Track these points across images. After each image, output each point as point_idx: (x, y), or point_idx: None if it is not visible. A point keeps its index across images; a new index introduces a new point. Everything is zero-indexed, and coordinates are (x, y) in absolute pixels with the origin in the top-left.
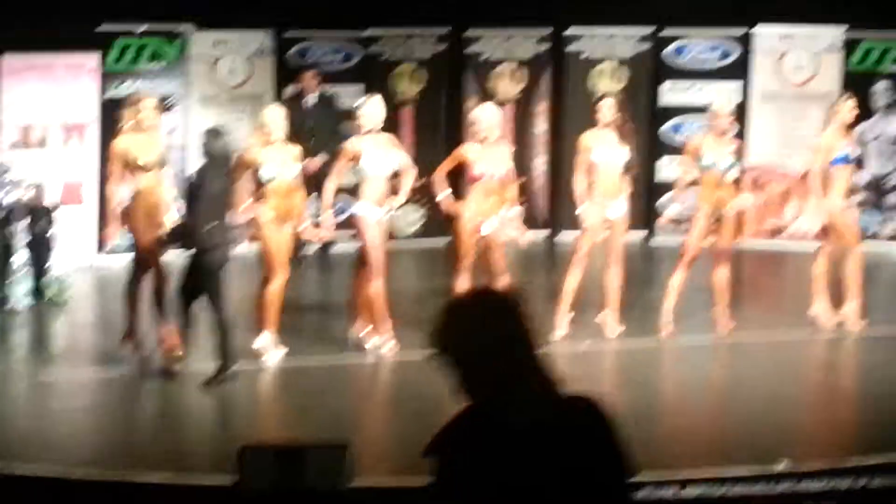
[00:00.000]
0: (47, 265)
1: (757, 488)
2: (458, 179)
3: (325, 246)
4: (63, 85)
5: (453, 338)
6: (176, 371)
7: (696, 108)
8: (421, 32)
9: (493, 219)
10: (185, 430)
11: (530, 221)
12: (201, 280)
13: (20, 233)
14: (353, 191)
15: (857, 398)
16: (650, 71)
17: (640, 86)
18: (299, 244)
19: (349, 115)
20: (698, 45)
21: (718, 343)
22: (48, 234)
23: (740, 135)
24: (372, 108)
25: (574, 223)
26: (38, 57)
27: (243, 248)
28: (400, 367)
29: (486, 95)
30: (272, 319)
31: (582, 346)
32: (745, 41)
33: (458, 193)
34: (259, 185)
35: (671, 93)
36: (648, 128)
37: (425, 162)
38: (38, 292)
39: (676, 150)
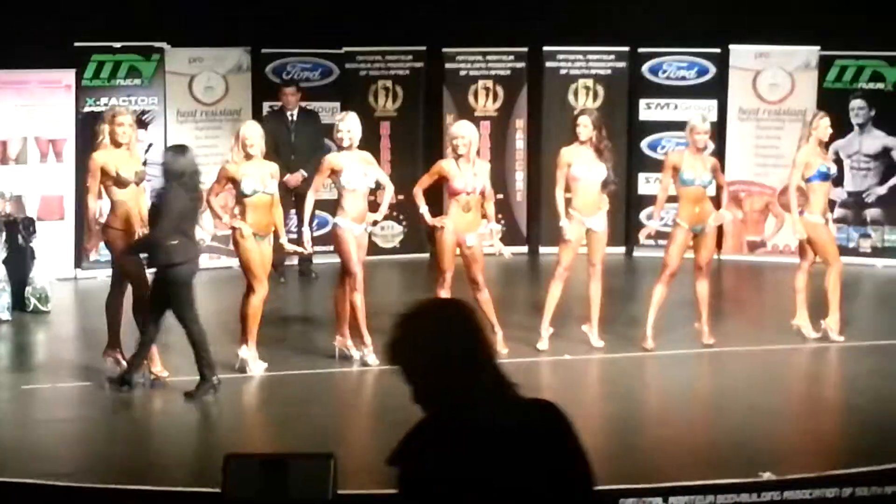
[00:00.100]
0: (29, 277)
1: (742, 498)
2: (437, 195)
3: (305, 260)
4: (40, 100)
5: (407, 351)
6: (158, 382)
7: (674, 125)
8: (398, 49)
9: (472, 234)
10: (169, 441)
11: (510, 237)
12: (167, 295)
13: (1, 244)
14: (332, 206)
15: (840, 408)
16: (627, 88)
17: (617, 103)
18: (279, 258)
19: (329, 130)
20: (675, 63)
21: (701, 354)
22: (29, 246)
23: (718, 152)
24: (350, 125)
25: (553, 238)
26: (14, 73)
27: (222, 262)
28: (383, 377)
29: (464, 112)
30: (253, 332)
31: (565, 359)
32: (720, 59)
33: (438, 209)
34: (238, 200)
35: (649, 109)
36: (627, 144)
37: (403, 178)
38: (19, 304)
39: (655, 165)
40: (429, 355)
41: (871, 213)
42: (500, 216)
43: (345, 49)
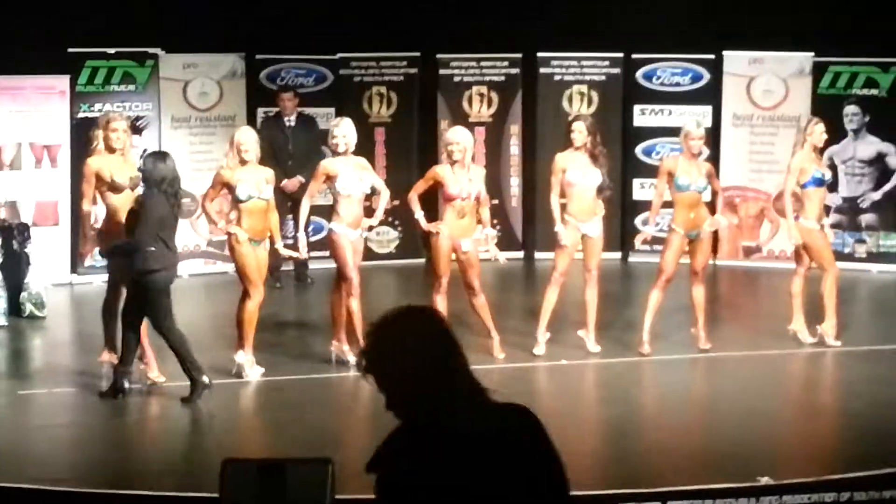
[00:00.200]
0: (25, 282)
1: (740, 502)
2: (433, 201)
3: (301, 265)
4: (34, 106)
5: (380, 359)
6: (155, 387)
7: (669, 130)
8: (393, 55)
9: (467, 239)
10: (167, 446)
11: (505, 242)
12: (144, 302)
13: None
14: (327, 211)
15: (836, 413)
16: (622, 94)
17: (611, 108)
18: (275, 263)
19: (325, 136)
20: (669, 68)
21: (697, 359)
22: (25, 252)
23: (713, 157)
24: (345, 130)
25: (549, 244)
26: (9, 79)
27: (218, 268)
28: None
29: (459, 117)
30: (249, 337)
31: (561, 364)
32: (714, 65)
33: (433, 214)
34: (233, 205)
35: (643, 115)
36: (622, 149)
37: (398, 183)
38: (15, 309)
39: (650, 171)
40: (402, 363)
41: (866, 218)
42: (495, 222)
43: (339, 55)
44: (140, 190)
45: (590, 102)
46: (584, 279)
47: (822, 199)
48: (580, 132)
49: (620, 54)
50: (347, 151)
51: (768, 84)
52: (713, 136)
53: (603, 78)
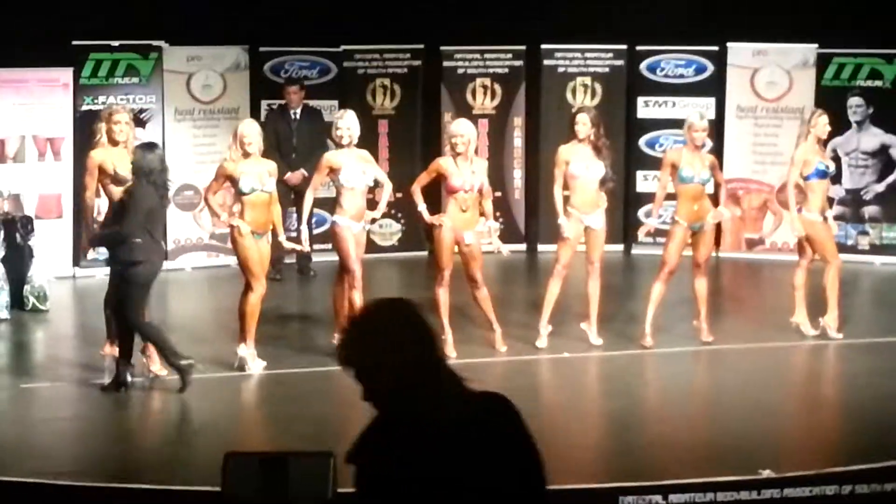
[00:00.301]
0: (28, 275)
1: (742, 495)
2: (436, 193)
3: (303, 258)
4: (38, 99)
5: (359, 351)
6: (157, 381)
7: (672, 122)
8: (396, 47)
9: (470, 232)
10: (168, 440)
11: (508, 234)
12: (122, 292)
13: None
14: (330, 204)
15: (839, 406)
16: (625, 86)
17: (615, 100)
18: (277, 256)
19: (329, 128)
20: (672, 60)
21: (700, 352)
22: (28, 245)
23: (716, 149)
24: (349, 122)
25: (552, 236)
26: (12, 71)
27: (221, 260)
28: None
29: (462, 110)
30: (252, 330)
31: (564, 356)
32: (718, 57)
33: (436, 207)
34: (236, 198)
35: (647, 107)
36: (625, 141)
37: (402, 176)
38: (18, 302)
39: (653, 163)
40: (379, 354)
41: (870, 210)
42: (498, 214)
43: (343, 47)
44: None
45: (593, 94)
46: (586, 271)
47: (825, 191)
48: (584, 124)
49: (624, 46)
50: (351, 144)
51: (772, 76)
52: (717, 128)
53: (606, 70)
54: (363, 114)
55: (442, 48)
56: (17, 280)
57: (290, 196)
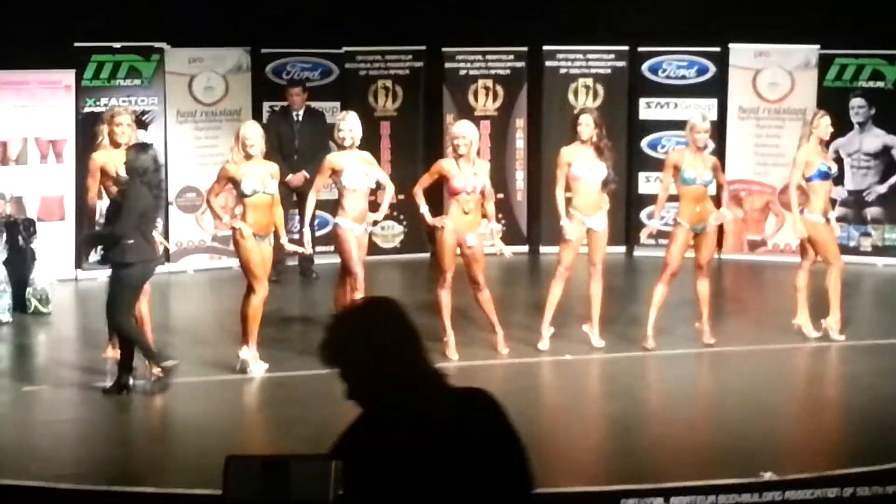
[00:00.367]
0: (30, 278)
1: (743, 498)
2: (438, 195)
3: (306, 260)
4: (40, 101)
5: (341, 349)
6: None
7: (674, 124)
8: (398, 49)
9: (472, 234)
10: (170, 443)
11: (510, 236)
12: (111, 291)
13: (1, 245)
14: (332, 206)
15: (841, 408)
16: (627, 87)
17: (617, 102)
18: (277, 258)
19: (330, 130)
20: (674, 61)
21: (702, 354)
22: (30, 247)
23: (718, 150)
24: (351, 124)
25: (553, 238)
26: (14, 73)
27: (223, 263)
28: None
29: (464, 111)
30: (254, 333)
31: (566, 358)
32: (720, 58)
33: (438, 209)
34: (238, 200)
35: (649, 108)
36: (627, 143)
37: (403, 178)
38: (20, 305)
39: (655, 164)
40: (361, 352)
41: (872, 211)
42: (500, 216)
43: (345, 49)
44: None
45: (595, 96)
46: (588, 273)
47: (827, 193)
48: (587, 125)
49: (626, 47)
50: (353, 145)
51: (774, 77)
52: (719, 130)
53: (608, 71)
54: (365, 115)
55: (444, 49)
56: (20, 283)
57: (292, 198)
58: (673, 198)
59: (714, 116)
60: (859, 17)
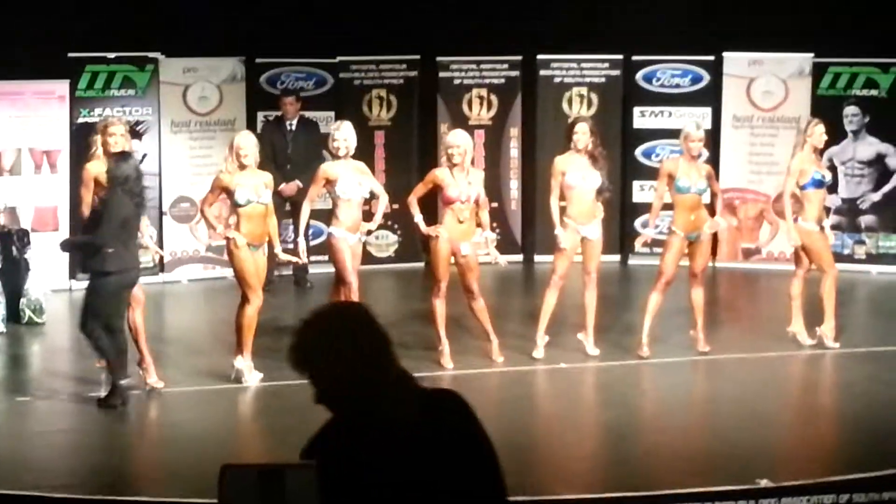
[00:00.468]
0: (24, 288)
1: None
2: (432, 204)
3: (300, 269)
4: (34, 111)
5: (311, 354)
6: (154, 393)
7: (668, 132)
8: (392, 58)
9: (466, 243)
10: (165, 452)
11: (504, 245)
12: (87, 298)
13: None
14: (326, 215)
15: (836, 415)
16: (621, 96)
17: (611, 110)
18: (273, 268)
19: (325, 140)
20: (668, 70)
21: (697, 362)
22: (24, 258)
23: (713, 159)
24: (346, 134)
25: (548, 247)
26: (8, 84)
27: (217, 272)
28: None
29: (459, 120)
30: (248, 342)
31: (560, 367)
32: (714, 67)
33: (432, 218)
34: (232, 210)
35: (643, 117)
36: (621, 151)
37: (398, 187)
38: (14, 315)
39: (650, 173)
40: (331, 357)
41: (866, 219)
42: (494, 225)
43: (339, 58)
44: None
45: (589, 104)
46: (583, 282)
47: (821, 201)
48: (583, 134)
49: (620, 56)
50: (347, 155)
51: (768, 85)
52: (713, 138)
53: (602, 80)
54: (359, 125)
55: (438, 59)
56: (14, 293)
57: (285, 208)
58: (667, 206)
59: (708, 125)
60: (853, 25)
